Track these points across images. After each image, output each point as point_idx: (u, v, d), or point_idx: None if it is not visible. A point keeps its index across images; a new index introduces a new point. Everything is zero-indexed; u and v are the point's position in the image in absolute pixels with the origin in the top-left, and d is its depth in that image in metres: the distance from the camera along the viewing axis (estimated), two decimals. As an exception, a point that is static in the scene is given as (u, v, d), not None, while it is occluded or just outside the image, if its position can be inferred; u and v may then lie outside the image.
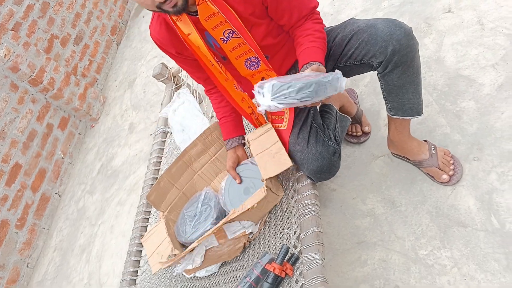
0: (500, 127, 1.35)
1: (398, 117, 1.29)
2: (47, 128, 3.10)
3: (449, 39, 1.67)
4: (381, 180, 1.50)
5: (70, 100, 3.23)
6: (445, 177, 1.34)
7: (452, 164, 1.35)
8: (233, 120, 1.45)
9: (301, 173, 1.34)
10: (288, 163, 1.22)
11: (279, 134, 1.35)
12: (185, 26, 1.14)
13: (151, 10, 1.10)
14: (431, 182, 1.38)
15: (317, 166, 1.24)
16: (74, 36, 3.61)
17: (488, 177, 1.29)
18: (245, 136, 1.45)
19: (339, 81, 0.97)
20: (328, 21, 2.20)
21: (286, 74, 1.43)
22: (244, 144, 1.46)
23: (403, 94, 1.22)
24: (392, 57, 1.11)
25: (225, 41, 1.18)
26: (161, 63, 2.26)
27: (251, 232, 1.35)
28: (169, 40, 1.27)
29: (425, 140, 1.42)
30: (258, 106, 0.99)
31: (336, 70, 0.98)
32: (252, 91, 1.23)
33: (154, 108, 2.96)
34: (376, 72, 1.22)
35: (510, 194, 1.23)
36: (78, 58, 3.59)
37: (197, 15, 1.11)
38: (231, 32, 1.15)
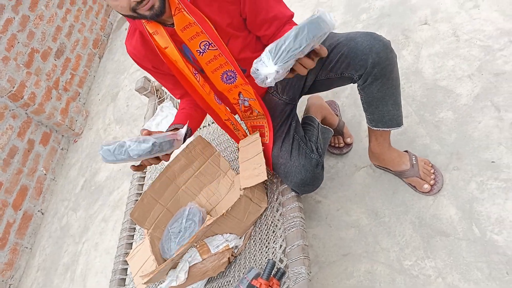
0: (477, 137, 1.39)
1: (379, 128, 1.30)
2: (28, 144, 3.05)
3: (426, 50, 1.71)
4: (364, 191, 1.52)
5: (51, 115, 3.18)
6: (426, 186, 1.36)
7: (433, 173, 1.38)
8: (188, 112, 1.37)
9: (286, 186, 1.35)
10: (263, 176, 1.22)
11: (263, 146, 1.36)
12: (162, 39, 1.13)
13: (127, 16, 1.07)
14: (413, 192, 1.40)
15: (301, 179, 1.25)
16: (55, 50, 3.58)
17: (468, 186, 1.32)
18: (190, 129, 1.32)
19: (328, 15, 0.90)
20: (309, 34, 2.22)
21: (266, 92, 1.44)
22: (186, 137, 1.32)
23: (383, 106, 1.24)
24: (372, 70, 1.13)
25: (201, 53, 1.17)
26: (144, 76, 2.25)
27: (236, 246, 1.35)
28: (144, 55, 1.26)
29: (406, 151, 1.44)
30: (264, 81, 0.93)
31: (318, 8, 0.92)
32: (241, 100, 1.25)
33: (137, 122, 2.94)
34: (356, 84, 1.24)
35: (490, 203, 1.25)
36: (59, 72, 3.55)
37: (174, 26, 1.11)
38: (208, 43, 1.14)
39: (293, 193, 1.30)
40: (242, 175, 1.31)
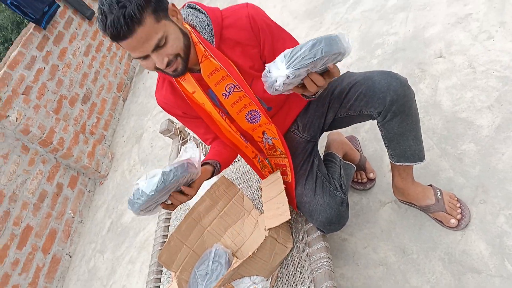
0: (502, 168, 1.37)
1: (401, 163, 1.31)
2: (57, 187, 3.15)
3: (443, 83, 1.72)
4: (390, 227, 1.50)
5: (79, 159, 3.30)
6: (453, 221, 1.34)
7: (459, 207, 1.36)
8: (218, 149, 1.41)
9: (311, 225, 1.36)
10: (286, 216, 1.23)
11: (286, 184, 1.38)
12: (189, 85, 1.19)
13: (153, 70, 1.14)
14: (440, 227, 1.38)
15: (326, 218, 1.26)
16: (81, 96, 3.75)
17: (497, 220, 1.29)
18: (219, 163, 1.38)
19: (346, 38, 0.93)
20: (326, 71, 2.27)
21: (287, 131, 1.48)
22: (215, 170, 1.35)
23: (404, 142, 1.25)
24: (390, 107, 1.15)
25: (227, 96, 1.22)
26: (167, 119, 2.33)
27: None
28: (174, 102, 1.32)
29: (430, 185, 1.43)
30: (273, 84, 0.95)
31: (340, 31, 0.95)
32: (265, 139, 1.31)
33: (161, 162, 3.01)
34: (376, 120, 1.26)
35: (520, 236, 1.23)
36: (86, 117, 3.70)
37: (200, 72, 1.17)
38: (233, 86, 1.19)
39: (319, 232, 1.31)
40: (266, 215, 1.33)
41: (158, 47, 1.03)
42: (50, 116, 3.20)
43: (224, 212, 1.62)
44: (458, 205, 1.36)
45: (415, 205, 1.44)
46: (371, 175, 1.66)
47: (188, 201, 1.92)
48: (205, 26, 1.16)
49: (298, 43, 1.28)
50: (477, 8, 1.83)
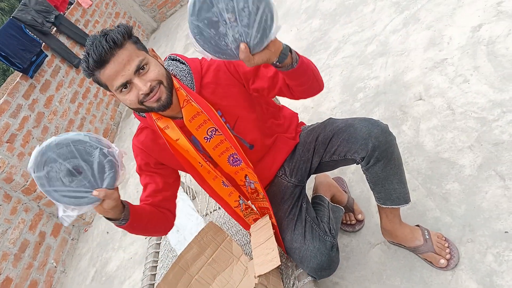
0: (487, 207, 1.40)
1: (387, 206, 1.33)
2: (39, 236, 3.06)
3: (425, 124, 1.78)
4: (381, 269, 1.49)
5: (63, 206, 3.22)
6: (442, 261, 1.34)
7: (448, 247, 1.36)
8: (141, 206, 1.28)
9: (302, 270, 1.34)
10: (276, 261, 1.21)
11: (274, 227, 1.37)
12: (173, 132, 1.20)
13: (135, 109, 1.13)
14: (430, 268, 1.38)
15: (317, 264, 1.24)
16: (67, 142, 3.72)
17: (485, 259, 1.30)
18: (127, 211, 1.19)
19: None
20: (310, 114, 2.33)
21: (275, 176, 1.49)
22: (124, 208, 1.18)
23: (389, 185, 1.27)
24: (373, 153, 1.18)
25: (208, 140, 1.23)
26: (154, 165, 2.32)
27: None
28: (151, 149, 1.31)
29: (418, 225, 1.44)
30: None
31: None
32: (247, 183, 1.34)
33: (148, 208, 2.96)
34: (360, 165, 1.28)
35: (510, 275, 1.23)
36: (71, 163, 3.66)
37: (183, 119, 1.18)
38: (214, 129, 1.21)
39: (310, 278, 1.29)
40: (256, 262, 1.31)
41: (140, 69, 1.06)
42: (34, 163, 3.16)
43: (212, 259, 1.59)
44: (446, 244, 1.37)
45: (404, 246, 1.44)
46: (359, 216, 1.67)
47: (176, 248, 1.89)
48: (186, 74, 1.21)
49: None
50: (451, 54, 1.93)
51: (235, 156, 1.28)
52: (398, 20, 2.39)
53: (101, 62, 1.01)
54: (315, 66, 1.18)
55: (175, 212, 1.42)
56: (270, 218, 1.39)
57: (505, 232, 1.31)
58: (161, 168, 1.35)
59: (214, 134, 1.22)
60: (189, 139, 1.23)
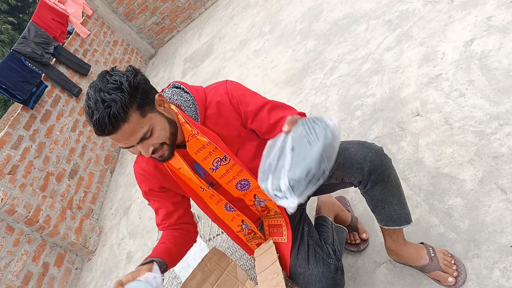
0: (491, 221, 1.39)
1: (390, 227, 1.31)
2: (42, 267, 3.03)
3: (424, 140, 1.79)
4: (388, 289, 1.48)
5: (66, 235, 3.21)
6: (451, 280, 1.32)
7: (454, 264, 1.35)
8: (168, 247, 1.31)
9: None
10: (281, 287, 1.20)
11: (280, 248, 1.36)
12: (175, 161, 1.21)
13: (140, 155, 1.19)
14: (438, 285, 1.37)
15: None
16: (69, 171, 3.74)
17: (492, 274, 1.29)
18: (166, 264, 1.26)
19: (330, 121, 0.93)
20: (310, 133, 2.34)
21: None
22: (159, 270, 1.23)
23: (389, 206, 1.25)
24: (369, 177, 1.17)
25: (215, 170, 1.25)
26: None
27: None
28: (153, 175, 1.32)
29: (422, 243, 1.43)
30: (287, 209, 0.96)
31: (327, 122, 0.96)
32: (256, 201, 1.34)
33: (150, 234, 2.95)
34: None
35: (518, 290, 1.22)
36: (73, 192, 3.66)
37: (185, 148, 1.20)
38: (219, 160, 1.22)
39: (315, 301, 1.27)
40: (261, 287, 1.30)
41: (143, 139, 1.08)
42: (36, 194, 3.16)
43: (217, 285, 1.57)
44: (452, 261, 1.36)
45: (411, 265, 1.43)
46: (364, 236, 1.66)
47: (180, 275, 1.88)
48: (190, 105, 1.22)
49: (287, 106, 1.30)
50: (445, 69, 1.96)
51: (242, 183, 1.30)
52: (392, 38, 2.43)
53: (104, 134, 1.03)
54: None
55: (194, 221, 1.46)
56: (280, 235, 1.38)
57: (511, 246, 1.30)
58: (165, 192, 1.37)
59: (220, 165, 1.24)
60: (191, 166, 1.24)
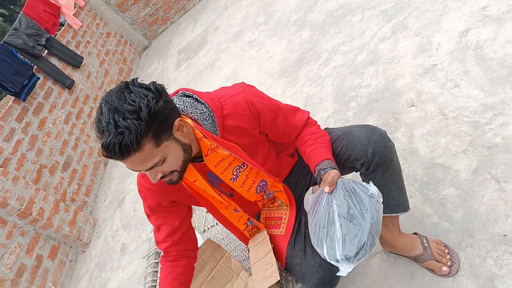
0: (484, 211, 1.39)
1: (386, 215, 1.30)
2: (36, 260, 3.02)
3: (418, 130, 1.78)
4: (381, 278, 1.48)
5: (60, 228, 3.19)
6: (445, 269, 1.33)
7: (448, 253, 1.36)
8: (175, 285, 1.31)
9: (300, 285, 1.33)
10: (276, 277, 1.20)
11: (275, 240, 1.36)
12: (190, 174, 1.17)
13: None
14: (431, 274, 1.37)
15: (319, 279, 1.23)
16: (62, 163, 3.71)
17: (485, 263, 1.29)
18: None
19: (372, 188, 1.06)
20: (304, 125, 2.33)
21: (289, 174, 1.45)
22: None
23: (388, 192, 1.25)
24: (372, 158, 1.16)
25: (235, 179, 1.24)
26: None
27: None
28: (162, 190, 1.25)
29: (415, 233, 1.43)
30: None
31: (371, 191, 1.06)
32: (266, 195, 1.37)
33: (144, 226, 2.94)
34: (359, 172, 1.26)
35: (511, 279, 1.22)
36: (66, 184, 3.64)
37: (202, 161, 1.16)
38: (238, 167, 1.21)
39: (310, 292, 1.27)
40: (255, 278, 1.29)
41: (154, 167, 1.01)
42: (29, 186, 3.14)
43: (211, 276, 1.57)
44: (446, 251, 1.36)
45: (404, 255, 1.43)
46: (358, 226, 1.65)
47: None
48: (207, 117, 1.13)
49: (297, 109, 1.29)
50: (440, 59, 1.95)
51: (261, 184, 1.30)
52: (387, 28, 2.42)
53: (111, 158, 0.95)
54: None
55: (195, 236, 1.41)
56: (277, 227, 1.39)
57: (504, 235, 1.31)
58: (175, 206, 1.32)
59: (240, 172, 1.23)
60: (205, 177, 1.22)
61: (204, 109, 1.13)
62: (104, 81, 4.95)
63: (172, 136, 1.02)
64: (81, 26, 5.07)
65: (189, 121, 1.09)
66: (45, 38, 4.25)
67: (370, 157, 1.16)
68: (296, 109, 1.30)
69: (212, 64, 4.08)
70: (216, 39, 4.43)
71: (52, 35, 4.53)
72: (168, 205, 1.30)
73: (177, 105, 1.11)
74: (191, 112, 1.12)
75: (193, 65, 4.45)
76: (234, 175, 1.22)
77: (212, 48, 4.36)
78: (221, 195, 1.26)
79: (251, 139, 1.22)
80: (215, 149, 1.12)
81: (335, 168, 1.11)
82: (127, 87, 0.95)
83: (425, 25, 2.19)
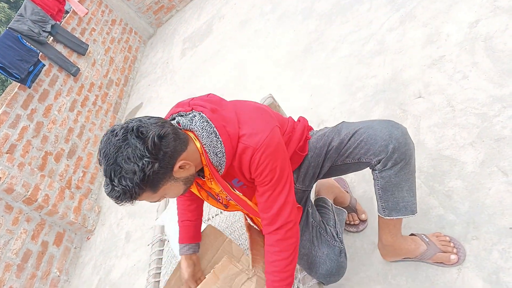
0: (490, 204, 1.39)
1: (392, 217, 1.26)
2: (42, 246, 3.05)
3: (425, 122, 1.77)
4: (386, 269, 1.48)
5: (65, 215, 3.22)
6: (453, 257, 1.32)
7: (450, 241, 1.36)
8: (195, 226, 1.44)
9: (305, 273, 1.33)
10: None
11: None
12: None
13: None
14: (436, 266, 1.37)
15: (326, 270, 1.23)
16: (67, 151, 3.72)
17: (491, 255, 1.29)
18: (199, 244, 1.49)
19: None
20: (309, 115, 2.32)
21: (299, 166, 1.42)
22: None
23: (399, 192, 1.21)
24: (392, 155, 1.14)
25: (229, 200, 1.26)
26: (155, 171, 2.32)
27: None
28: None
29: (412, 234, 1.42)
30: None
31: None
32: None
33: (149, 214, 2.96)
34: (371, 170, 1.23)
35: (516, 271, 1.22)
36: (72, 171, 3.66)
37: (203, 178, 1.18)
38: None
39: (315, 281, 1.28)
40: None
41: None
42: (35, 173, 3.15)
43: (213, 261, 1.58)
44: (448, 239, 1.36)
45: (410, 258, 1.41)
46: (363, 216, 1.66)
47: (177, 254, 1.89)
48: (218, 153, 1.09)
49: (286, 206, 1.16)
50: (449, 50, 1.93)
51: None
52: (395, 18, 2.39)
53: None
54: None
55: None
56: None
57: (510, 228, 1.30)
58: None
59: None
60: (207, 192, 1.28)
61: (218, 146, 1.09)
62: (109, 69, 4.94)
63: (172, 177, 1.03)
64: (87, 13, 5.05)
65: (198, 145, 1.09)
66: (50, 25, 4.24)
67: (390, 153, 1.14)
68: (285, 205, 1.15)
69: (217, 53, 4.06)
70: (222, 28, 4.40)
71: (58, 22, 4.51)
72: None
73: (194, 127, 1.09)
74: (204, 143, 1.09)
75: (198, 54, 4.43)
76: (227, 199, 1.25)
77: (218, 37, 4.33)
78: (221, 203, 1.31)
79: (248, 184, 1.20)
80: (211, 179, 1.14)
81: None
82: (125, 138, 0.95)
83: (434, 16, 2.16)
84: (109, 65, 5.00)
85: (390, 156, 1.14)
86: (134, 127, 0.96)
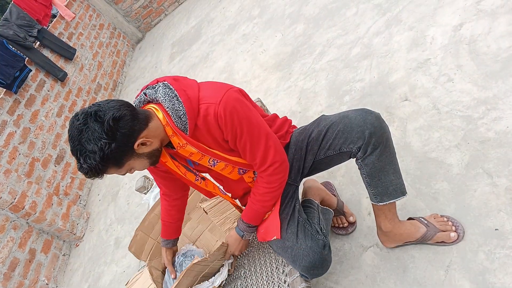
0: (476, 205, 1.40)
1: (385, 202, 1.29)
2: (29, 254, 3.01)
3: (411, 125, 1.79)
4: (374, 272, 1.49)
5: (53, 221, 3.18)
6: (453, 234, 1.35)
7: (448, 220, 1.38)
8: (177, 226, 1.60)
9: (290, 268, 1.35)
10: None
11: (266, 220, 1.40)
12: (163, 155, 1.28)
13: None
14: (424, 268, 1.38)
15: (309, 262, 1.25)
16: (55, 157, 3.68)
17: (477, 257, 1.30)
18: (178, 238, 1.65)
19: None
20: (297, 119, 2.33)
21: None
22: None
23: (385, 176, 1.25)
24: (370, 140, 1.18)
25: (214, 165, 1.29)
26: (143, 176, 2.31)
27: (221, 282, 1.50)
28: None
29: (410, 218, 1.45)
30: None
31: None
32: (255, 176, 1.40)
33: (139, 220, 2.93)
34: (355, 160, 1.28)
35: (502, 273, 1.23)
36: (60, 177, 3.61)
37: (175, 149, 1.24)
38: (213, 160, 1.27)
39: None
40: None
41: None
42: (21, 180, 3.11)
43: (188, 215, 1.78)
44: (445, 219, 1.39)
45: (410, 241, 1.42)
46: (351, 219, 1.66)
47: (149, 201, 2.14)
48: (181, 115, 1.15)
49: (270, 146, 1.23)
50: (434, 54, 1.95)
51: (243, 168, 1.34)
52: (381, 22, 2.41)
53: None
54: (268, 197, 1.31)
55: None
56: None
57: (495, 229, 1.32)
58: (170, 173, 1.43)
59: (217, 162, 1.28)
60: (184, 163, 1.34)
61: (180, 108, 1.15)
62: (97, 74, 4.91)
63: (134, 153, 1.14)
64: (74, 18, 5.01)
65: (161, 116, 1.17)
66: (36, 30, 4.20)
67: (368, 138, 1.19)
68: (268, 149, 1.23)
69: (206, 57, 4.06)
70: (210, 32, 4.40)
71: (44, 27, 4.47)
72: (164, 172, 1.43)
73: (158, 94, 1.18)
74: (167, 107, 1.16)
75: (187, 58, 4.42)
76: (210, 163, 1.28)
77: (206, 41, 4.33)
78: (198, 180, 1.38)
79: (220, 145, 1.25)
80: (183, 146, 1.20)
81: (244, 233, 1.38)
82: (86, 122, 1.06)
83: (419, 19, 2.19)
84: (97, 69, 4.97)
85: (368, 141, 1.19)
86: (93, 112, 1.06)
